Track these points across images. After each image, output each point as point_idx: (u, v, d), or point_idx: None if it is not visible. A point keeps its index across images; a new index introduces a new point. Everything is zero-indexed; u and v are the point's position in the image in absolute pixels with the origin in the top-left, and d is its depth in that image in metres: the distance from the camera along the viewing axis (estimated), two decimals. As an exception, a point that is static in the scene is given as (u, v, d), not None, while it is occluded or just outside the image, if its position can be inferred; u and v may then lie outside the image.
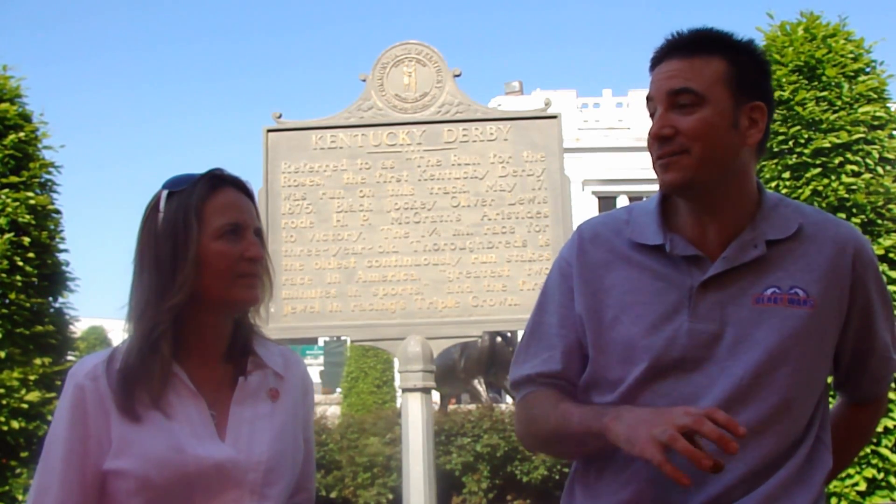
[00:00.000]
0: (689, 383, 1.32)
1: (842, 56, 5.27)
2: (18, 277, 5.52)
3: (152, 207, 1.39)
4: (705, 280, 1.35)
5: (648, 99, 1.40)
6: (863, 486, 4.71)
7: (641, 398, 1.34)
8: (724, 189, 1.37)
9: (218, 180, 1.40)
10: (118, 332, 1.44)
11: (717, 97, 1.33)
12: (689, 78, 1.34)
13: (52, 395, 5.37)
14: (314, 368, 21.82)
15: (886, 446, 4.75)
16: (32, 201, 5.69)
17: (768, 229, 1.37)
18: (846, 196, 5.03)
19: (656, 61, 1.39)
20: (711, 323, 1.33)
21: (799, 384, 1.34)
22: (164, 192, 1.38)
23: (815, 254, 1.37)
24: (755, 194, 1.42)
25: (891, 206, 5.10)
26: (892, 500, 4.67)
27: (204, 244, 1.35)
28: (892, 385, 1.61)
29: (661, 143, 1.36)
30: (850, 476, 4.73)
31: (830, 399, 1.49)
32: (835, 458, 1.41)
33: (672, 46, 1.38)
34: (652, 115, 1.39)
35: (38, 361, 5.51)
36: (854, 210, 4.99)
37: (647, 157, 1.39)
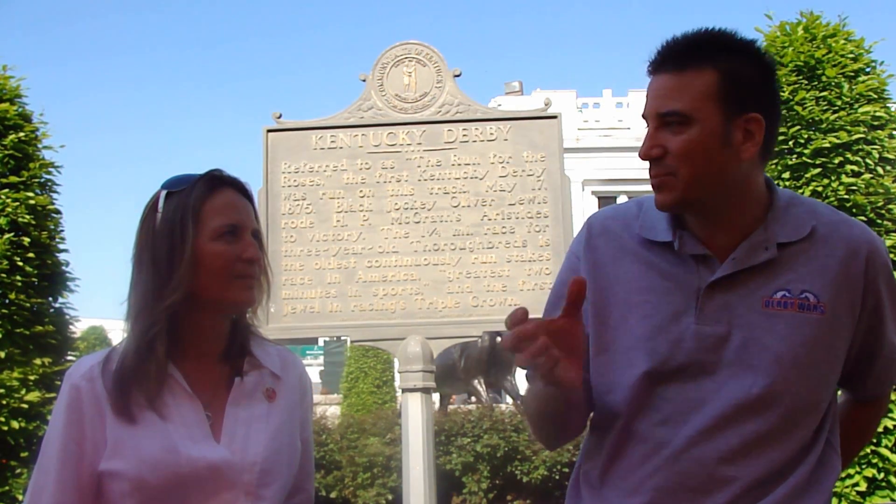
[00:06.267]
0: (696, 388, 1.29)
1: (842, 56, 5.27)
2: (18, 277, 5.52)
3: (151, 207, 1.39)
4: (713, 281, 1.31)
5: (643, 116, 1.37)
6: (863, 486, 4.71)
7: (647, 402, 1.32)
8: (724, 202, 1.33)
9: (217, 181, 1.40)
10: (118, 332, 1.44)
11: (706, 115, 1.28)
12: (676, 98, 1.29)
13: (52, 395, 5.36)
14: (314, 369, 21.78)
15: (886, 446, 4.74)
16: (32, 201, 5.69)
17: (780, 231, 1.33)
18: (846, 196, 5.03)
19: (650, 71, 1.35)
20: (718, 325, 1.30)
21: (810, 392, 1.31)
22: (163, 192, 1.38)
23: (827, 257, 1.33)
24: (764, 196, 1.37)
25: (891, 206, 5.10)
26: (892, 500, 4.66)
27: (201, 244, 1.35)
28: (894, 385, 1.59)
29: (652, 164, 1.33)
30: (850, 476, 4.72)
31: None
32: None
33: (664, 57, 1.33)
34: None
35: (38, 361, 5.51)
36: (854, 210, 4.98)
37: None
